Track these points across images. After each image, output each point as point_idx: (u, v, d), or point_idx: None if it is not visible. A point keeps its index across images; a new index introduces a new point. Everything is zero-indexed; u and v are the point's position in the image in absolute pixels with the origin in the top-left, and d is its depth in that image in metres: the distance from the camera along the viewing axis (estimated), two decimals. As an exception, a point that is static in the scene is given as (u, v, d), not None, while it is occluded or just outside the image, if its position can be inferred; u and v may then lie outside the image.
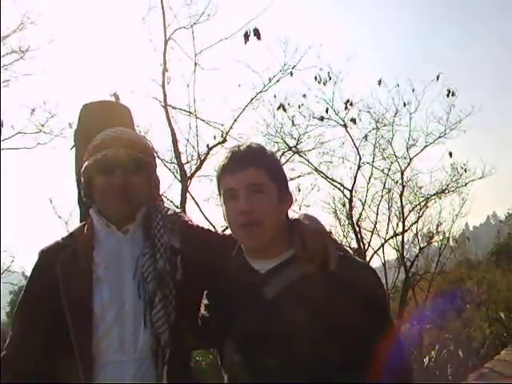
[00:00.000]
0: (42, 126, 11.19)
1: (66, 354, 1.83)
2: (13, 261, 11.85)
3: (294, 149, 10.58)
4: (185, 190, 7.71)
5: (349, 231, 12.33)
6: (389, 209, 12.58)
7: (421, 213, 12.98)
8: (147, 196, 1.97)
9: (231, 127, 8.66)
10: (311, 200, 11.40)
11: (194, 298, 1.93)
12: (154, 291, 1.86)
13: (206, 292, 1.94)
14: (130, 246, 1.93)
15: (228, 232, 1.93)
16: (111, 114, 2.27)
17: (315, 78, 10.27)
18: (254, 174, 1.74)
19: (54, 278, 1.87)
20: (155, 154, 2.03)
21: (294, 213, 1.91)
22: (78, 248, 1.92)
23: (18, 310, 1.97)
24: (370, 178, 12.09)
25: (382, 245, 12.56)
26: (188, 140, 8.44)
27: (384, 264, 12.94)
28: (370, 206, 12.38)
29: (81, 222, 2.14)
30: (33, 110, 11.04)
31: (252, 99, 9.07)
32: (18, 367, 1.87)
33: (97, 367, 1.83)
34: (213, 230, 2.30)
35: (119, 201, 1.88)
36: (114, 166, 1.87)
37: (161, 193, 2.11)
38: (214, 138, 8.64)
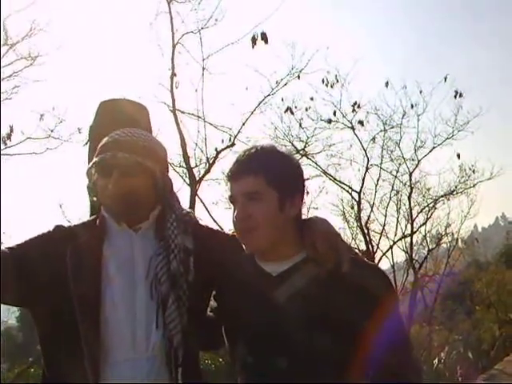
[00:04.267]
0: (51, 131, 11.23)
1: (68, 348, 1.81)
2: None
3: (301, 151, 10.63)
4: (194, 194, 7.75)
5: (357, 233, 12.39)
6: (397, 211, 12.62)
7: (429, 214, 13.03)
8: (153, 198, 1.97)
9: (239, 131, 8.72)
10: (319, 202, 11.49)
11: (204, 300, 1.95)
12: (167, 292, 1.85)
13: (214, 294, 1.96)
14: (141, 244, 1.93)
15: None
16: (124, 113, 2.27)
17: (322, 81, 10.34)
18: (251, 182, 1.74)
19: (64, 265, 1.84)
20: (162, 157, 2.02)
21: (304, 216, 1.91)
22: (88, 241, 1.91)
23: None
24: (378, 180, 12.18)
25: (391, 247, 12.60)
26: (196, 144, 8.51)
27: (393, 266, 12.95)
28: (378, 208, 12.46)
29: (91, 214, 2.15)
30: (42, 116, 11.10)
31: (260, 103, 9.14)
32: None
33: (107, 365, 1.81)
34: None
35: (117, 203, 1.89)
36: (110, 169, 1.88)
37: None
38: (222, 141, 8.69)
